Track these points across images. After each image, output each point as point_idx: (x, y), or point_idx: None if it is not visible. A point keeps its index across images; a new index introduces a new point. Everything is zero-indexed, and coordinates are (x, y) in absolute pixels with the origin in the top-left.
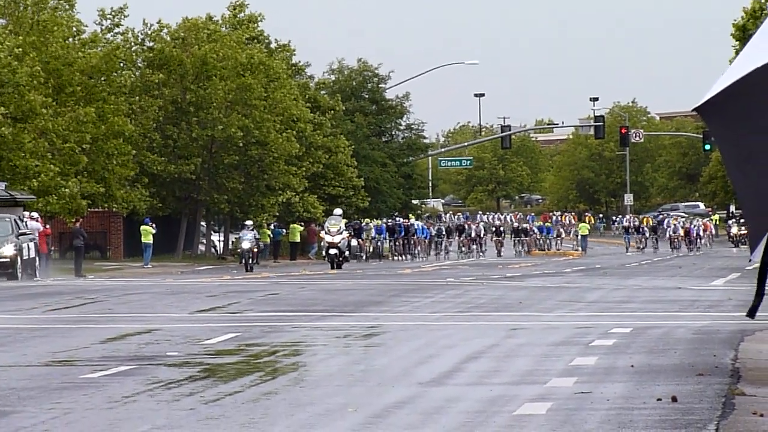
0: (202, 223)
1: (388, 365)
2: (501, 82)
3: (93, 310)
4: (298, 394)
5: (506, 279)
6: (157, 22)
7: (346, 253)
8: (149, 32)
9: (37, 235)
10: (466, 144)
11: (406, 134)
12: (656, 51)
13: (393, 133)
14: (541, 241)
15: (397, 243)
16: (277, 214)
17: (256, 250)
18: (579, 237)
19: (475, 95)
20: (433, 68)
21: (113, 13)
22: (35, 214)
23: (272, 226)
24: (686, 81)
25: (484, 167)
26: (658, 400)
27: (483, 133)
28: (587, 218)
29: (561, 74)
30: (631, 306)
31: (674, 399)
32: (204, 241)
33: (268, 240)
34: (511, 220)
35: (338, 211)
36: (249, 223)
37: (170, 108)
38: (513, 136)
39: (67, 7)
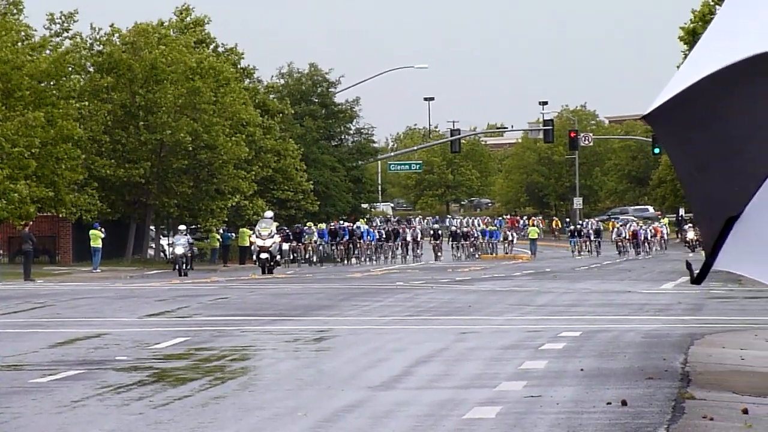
0: (152, 227)
1: (338, 369)
2: (450, 86)
3: (42, 315)
4: (248, 399)
5: (456, 283)
6: (110, 26)
7: (278, 257)
8: (98, 37)
9: None
10: (415, 148)
11: (355, 138)
12: (605, 55)
13: (343, 137)
14: (485, 245)
15: (339, 247)
16: (227, 218)
17: (189, 255)
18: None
19: (425, 99)
20: (382, 72)
21: (63, 18)
22: (183, 227)
23: (221, 231)
24: (635, 84)
25: (433, 171)
26: (608, 403)
27: (432, 136)
28: (537, 222)
29: (510, 78)
30: (581, 309)
31: (624, 403)
32: (153, 245)
33: (218, 244)
34: (478, 224)
35: (269, 213)
36: (182, 227)
37: (119, 112)
38: (462, 140)
39: (15, 11)
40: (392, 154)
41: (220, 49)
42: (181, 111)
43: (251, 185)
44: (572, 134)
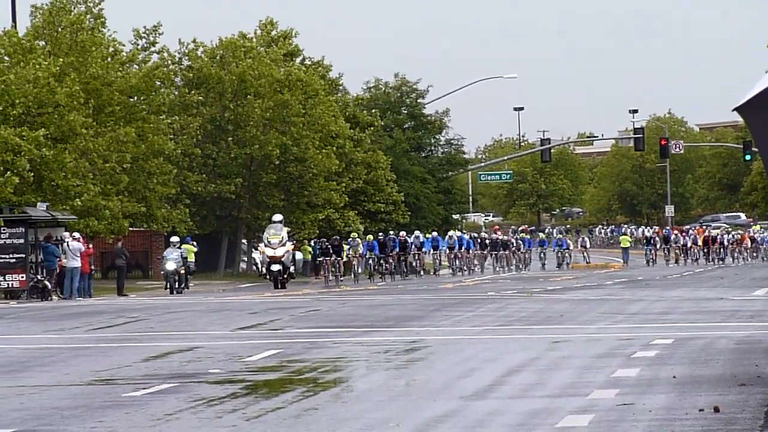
0: (243, 241)
1: (430, 379)
2: (540, 95)
3: (135, 329)
4: (340, 410)
5: (547, 292)
6: (192, 41)
7: (291, 268)
8: (186, 51)
9: (78, 255)
10: (505, 158)
11: (445, 149)
12: (694, 62)
13: (432, 148)
14: (526, 256)
15: (388, 261)
16: (318, 230)
17: (183, 271)
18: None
19: (515, 109)
20: (471, 83)
21: (147, 32)
22: (77, 234)
23: (313, 243)
24: (725, 91)
25: (524, 181)
26: (701, 410)
27: (522, 146)
28: (627, 230)
29: (600, 86)
30: (673, 317)
31: (716, 409)
32: (245, 258)
33: (309, 257)
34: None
35: (278, 217)
36: (174, 239)
37: (209, 126)
38: (553, 150)
39: (99, 24)
40: (482, 164)
41: (308, 62)
42: (270, 124)
43: (342, 197)
44: (663, 142)
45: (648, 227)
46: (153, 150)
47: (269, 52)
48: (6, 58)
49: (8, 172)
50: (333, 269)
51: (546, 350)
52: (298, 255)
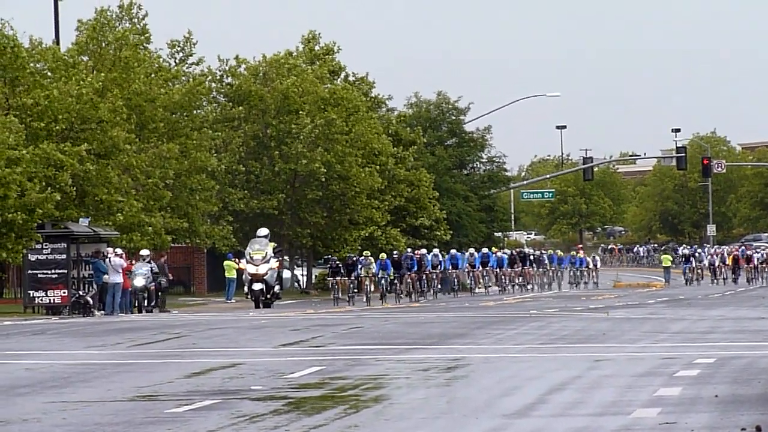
0: (286, 258)
1: (472, 397)
2: (582, 114)
3: (177, 345)
4: (383, 427)
5: (589, 311)
6: (234, 58)
7: (276, 288)
8: (227, 68)
9: (120, 271)
10: (548, 176)
11: (487, 167)
12: (736, 81)
13: (474, 165)
14: (551, 273)
15: (404, 279)
16: (360, 248)
17: (153, 287)
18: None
19: (557, 127)
20: (514, 101)
21: (181, 44)
22: (119, 250)
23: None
24: (767, 111)
25: (566, 200)
26: (743, 429)
27: (565, 165)
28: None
29: (642, 106)
30: (715, 336)
31: (759, 429)
32: (287, 275)
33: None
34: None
35: (263, 231)
36: (144, 252)
37: (251, 143)
38: (595, 169)
39: (144, 41)
40: (524, 182)
41: (351, 78)
42: (314, 141)
43: (384, 215)
44: (705, 161)
45: (687, 246)
46: (195, 166)
47: (314, 69)
48: (49, 73)
49: (49, 188)
50: (345, 289)
51: (588, 369)
52: (286, 273)
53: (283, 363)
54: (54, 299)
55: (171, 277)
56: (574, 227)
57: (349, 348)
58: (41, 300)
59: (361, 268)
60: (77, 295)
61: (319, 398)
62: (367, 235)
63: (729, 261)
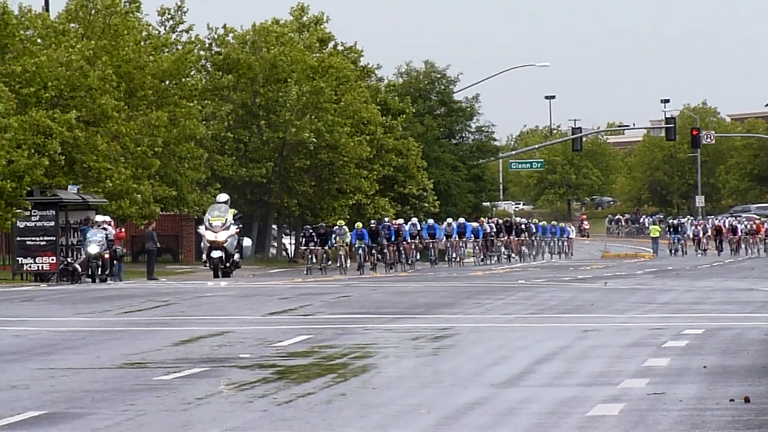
0: (273, 226)
1: (460, 367)
2: (571, 84)
3: (166, 313)
4: (371, 396)
5: (577, 281)
6: (222, 27)
7: (236, 256)
8: (216, 37)
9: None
10: (536, 146)
11: (476, 136)
12: (726, 52)
13: (463, 135)
14: (537, 243)
15: (383, 249)
16: (348, 217)
17: (107, 256)
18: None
19: (546, 97)
20: (503, 71)
21: (173, 12)
22: (107, 218)
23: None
24: (756, 82)
25: (555, 170)
26: (731, 400)
27: (554, 135)
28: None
29: (631, 76)
30: (704, 307)
31: (747, 400)
32: (275, 244)
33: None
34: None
35: (223, 197)
36: (100, 218)
37: (240, 111)
38: (584, 139)
39: (134, 9)
40: (513, 152)
41: (339, 48)
42: (303, 110)
43: (373, 184)
44: (694, 132)
45: (674, 217)
46: (184, 134)
47: (303, 38)
48: (39, 40)
49: (38, 155)
50: (317, 259)
51: (576, 339)
52: (246, 241)
53: (272, 331)
54: (42, 266)
55: (159, 245)
56: (562, 197)
57: (338, 317)
58: (30, 267)
59: (335, 237)
60: (66, 262)
61: (307, 366)
62: (354, 203)
63: (711, 232)
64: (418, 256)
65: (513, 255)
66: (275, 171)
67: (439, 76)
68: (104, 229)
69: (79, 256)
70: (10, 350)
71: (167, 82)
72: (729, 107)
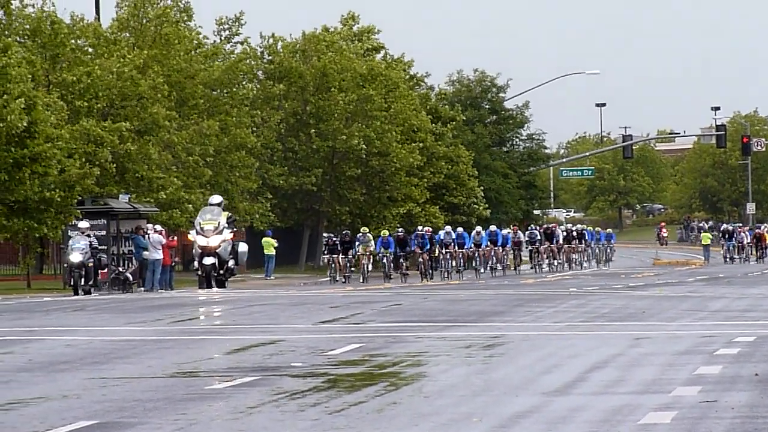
0: (324, 235)
1: (512, 375)
2: (622, 91)
3: (217, 322)
4: (422, 404)
5: (629, 288)
6: (271, 36)
7: (230, 263)
8: (267, 45)
9: (160, 247)
10: (587, 153)
11: (527, 144)
12: None
13: (514, 142)
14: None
15: (407, 258)
16: (399, 225)
17: (91, 264)
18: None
19: (597, 105)
20: (553, 78)
21: (230, 23)
22: (158, 227)
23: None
24: None
25: (604, 177)
26: None
27: (604, 142)
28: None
29: (682, 83)
30: (755, 315)
31: None
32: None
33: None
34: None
35: (216, 198)
36: (83, 224)
37: (291, 120)
38: (634, 146)
39: (186, 18)
40: (564, 160)
41: (389, 59)
42: (352, 118)
43: (423, 192)
44: (745, 139)
45: (728, 223)
46: (235, 143)
47: (351, 46)
48: (90, 50)
49: (89, 164)
50: (342, 268)
51: (628, 347)
52: (242, 247)
53: (323, 340)
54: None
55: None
56: (612, 204)
57: (389, 325)
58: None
59: (358, 246)
60: (117, 272)
61: (359, 375)
62: (405, 212)
63: (751, 239)
64: (454, 264)
65: (553, 262)
66: (325, 179)
67: (489, 84)
68: (88, 236)
69: (130, 265)
70: (62, 360)
71: (218, 91)
72: None
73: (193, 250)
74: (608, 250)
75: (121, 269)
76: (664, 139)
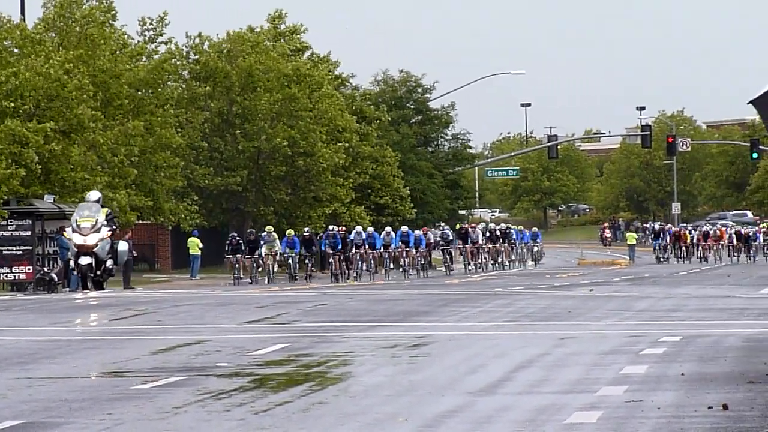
0: (233, 234)
1: (438, 375)
2: (547, 91)
3: (142, 322)
4: (348, 404)
5: (554, 288)
6: (197, 36)
7: (108, 262)
8: (193, 45)
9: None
10: (512, 154)
11: (452, 144)
12: (701, 60)
13: (439, 143)
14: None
15: (329, 259)
16: (324, 225)
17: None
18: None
19: (522, 105)
20: (479, 78)
21: (154, 23)
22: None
23: (319, 237)
24: (732, 90)
25: (529, 178)
26: (709, 408)
27: (529, 142)
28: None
29: (607, 84)
30: (681, 314)
31: (725, 407)
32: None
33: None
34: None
35: (94, 195)
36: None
37: (216, 120)
38: (559, 146)
39: (110, 18)
40: (489, 160)
41: (314, 58)
42: (277, 118)
43: (349, 192)
44: (670, 139)
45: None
46: (160, 143)
47: (277, 46)
48: (15, 50)
49: (15, 165)
50: (246, 268)
51: (553, 346)
52: (122, 245)
53: (249, 340)
54: (19, 275)
55: (135, 254)
56: (537, 204)
57: (315, 325)
58: (6, 276)
59: (263, 245)
60: (42, 272)
61: (284, 375)
62: (331, 212)
63: (669, 240)
64: (365, 267)
65: (470, 263)
66: (251, 179)
67: (414, 84)
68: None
69: (55, 266)
70: None
71: (143, 91)
72: (705, 115)
73: (69, 250)
74: (535, 250)
75: (46, 269)
76: (589, 139)
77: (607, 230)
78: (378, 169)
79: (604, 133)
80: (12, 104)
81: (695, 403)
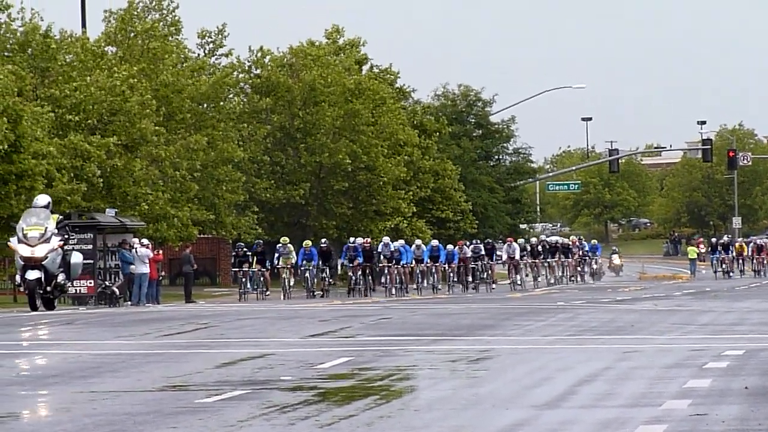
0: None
1: (501, 388)
2: (608, 105)
3: (205, 336)
4: (412, 418)
5: (617, 302)
6: (258, 50)
7: (59, 277)
8: (254, 58)
9: (147, 261)
10: (574, 168)
11: (513, 158)
12: (763, 73)
13: (500, 157)
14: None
15: (349, 272)
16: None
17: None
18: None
19: (583, 119)
20: (539, 92)
21: (213, 36)
22: (145, 241)
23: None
24: None
25: (590, 191)
26: None
27: (590, 156)
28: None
29: (668, 98)
30: (743, 328)
31: None
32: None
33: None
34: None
35: (43, 199)
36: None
37: (278, 134)
38: (620, 160)
39: (174, 31)
40: (550, 174)
41: (375, 70)
42: (339, 132)
43: (410, 206)
44: (731, 154)
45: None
46: (222, 157)
47: (340, 60)
48: (77, 64)
49: (76, 179)
50: (252, 282)
51: (617, 360)
52: (76, 257)
53: (313, 353)
54: (80, 289)
55: (196, 268)
56: (598, 218)
57: (378, 339)
58: (68, 290)
59: (278, 258)
60: (104, 286)
61: (348, 388)
62: (392, 226)
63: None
64: (390, 280)
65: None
66: (312, 193)
67: (474, 98)
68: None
69: (117, 280)
70: (51, 373)
71: (205, 106)
72: (766, 128)
73: (15, 262)
74: (594, 264)
75: (107, 283)
76: (650, 153)
77: (702, 245)
78: (438, 182)
79: (665, 147)
80: (75, 118)
81: (759, 417)
